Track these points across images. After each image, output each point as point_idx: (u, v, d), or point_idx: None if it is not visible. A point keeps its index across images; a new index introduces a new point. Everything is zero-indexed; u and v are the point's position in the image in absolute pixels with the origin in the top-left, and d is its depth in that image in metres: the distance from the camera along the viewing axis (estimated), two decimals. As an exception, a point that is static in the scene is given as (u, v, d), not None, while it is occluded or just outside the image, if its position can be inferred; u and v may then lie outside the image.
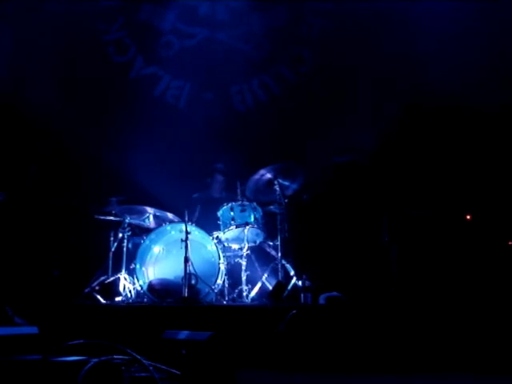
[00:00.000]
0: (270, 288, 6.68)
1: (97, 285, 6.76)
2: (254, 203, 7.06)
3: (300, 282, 6.57)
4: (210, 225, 7.11)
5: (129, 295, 6.68)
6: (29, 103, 8.21)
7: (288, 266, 6.87)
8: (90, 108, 8.58)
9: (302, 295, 6.43)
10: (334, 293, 6.29)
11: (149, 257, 6.91)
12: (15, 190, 7.39)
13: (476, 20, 8.43)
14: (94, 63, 8.88)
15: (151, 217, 7.13)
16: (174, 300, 6.32)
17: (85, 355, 3.73)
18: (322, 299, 6.26)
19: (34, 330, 4.95)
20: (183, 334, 4.64)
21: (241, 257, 6.94)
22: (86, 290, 6.74)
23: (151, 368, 3.80)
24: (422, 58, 8.49)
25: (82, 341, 4.05)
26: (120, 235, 7.00)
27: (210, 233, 7.00)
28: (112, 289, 6.76)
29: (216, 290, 6.60)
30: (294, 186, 7.26)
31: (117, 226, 7.15)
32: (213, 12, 9.24)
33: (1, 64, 8.40)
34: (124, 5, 9.25)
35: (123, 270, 6.79)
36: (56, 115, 8.13)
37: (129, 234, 7.05)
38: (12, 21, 8.74)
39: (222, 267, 6.73)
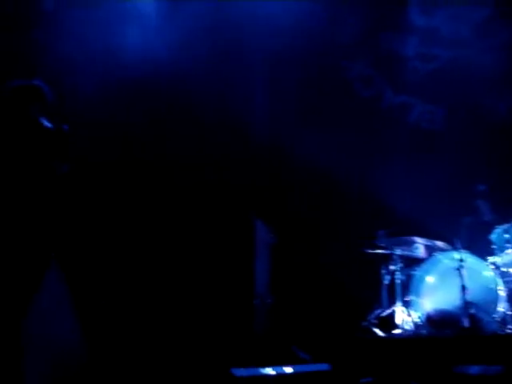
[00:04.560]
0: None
1: (373, 318, 6.85)
2: (530, 223, 6.69)
3: None
4: (482, 249, 6.87)
5: (406, 327, 6.65)
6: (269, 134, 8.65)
7: None
8: (344, 141, 8.72)
9: None
10: None
11: (423, 288, 6.81)
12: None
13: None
14: (337, 97, 8.99)
15: (421, 247, 7.09)
16: (454, 331, 6.18)
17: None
18: None
19: (325, 366, 5.16)
20: (474, 369, 4.52)
21: (522, 282, 6.57)
22: (364, 324, 6.86)
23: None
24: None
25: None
26: (391, 267, 7.05)
27: (483, 257, 6.76)
28: (389, 321, 6.81)
29: (497, 318, 6.31)
30: None
31: (384, 258, 7.21)
32: (455, 30, 9.01)
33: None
34: (362, 38, 9.35)
35: (398, 302, 6.81)
36: (307, 151, 8.45)
37: (400, 266, 7.06)
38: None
39: (502, 293, 6.43)
